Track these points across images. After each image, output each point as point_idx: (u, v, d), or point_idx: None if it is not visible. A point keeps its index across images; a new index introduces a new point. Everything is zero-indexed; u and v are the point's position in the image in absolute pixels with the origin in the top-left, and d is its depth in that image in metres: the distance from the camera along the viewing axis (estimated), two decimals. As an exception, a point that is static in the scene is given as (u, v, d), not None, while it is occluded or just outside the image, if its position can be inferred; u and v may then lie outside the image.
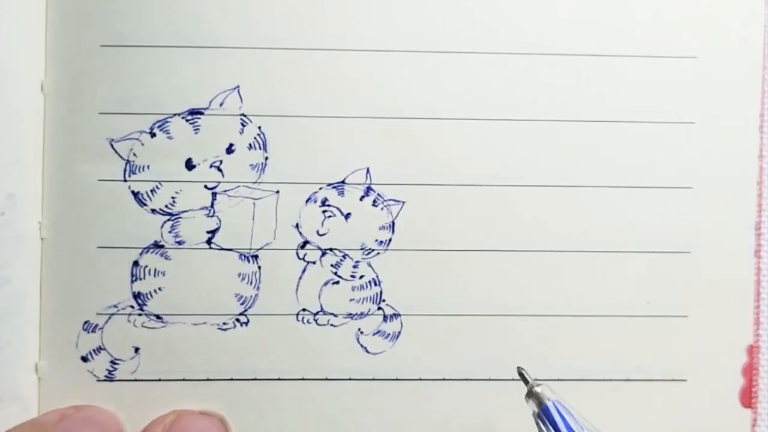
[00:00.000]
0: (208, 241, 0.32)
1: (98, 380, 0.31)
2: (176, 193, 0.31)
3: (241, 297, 0.32)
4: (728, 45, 0.33)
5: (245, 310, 0.32)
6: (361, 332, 0.32)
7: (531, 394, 0.28)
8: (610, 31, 0.33)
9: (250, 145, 0.32)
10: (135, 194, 0.31)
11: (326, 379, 0.32)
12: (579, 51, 0.32)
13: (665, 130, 0.33)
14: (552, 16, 0.32)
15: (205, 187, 0.32)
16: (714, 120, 0.33)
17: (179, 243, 0.31)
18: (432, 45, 0.32)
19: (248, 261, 0.32)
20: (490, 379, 0.32)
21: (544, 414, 0.28)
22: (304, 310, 0.32)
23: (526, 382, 0.29)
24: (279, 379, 0.32)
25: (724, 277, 0.33)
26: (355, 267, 0.32)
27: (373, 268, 0.32)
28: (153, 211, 0.31)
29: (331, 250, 0.32)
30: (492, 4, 0.32)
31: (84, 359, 0.31)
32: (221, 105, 0.31)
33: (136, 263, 0.31)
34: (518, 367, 0.30)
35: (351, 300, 0.32)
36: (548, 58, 0.32)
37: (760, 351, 0.33)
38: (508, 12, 0.32)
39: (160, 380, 0.31)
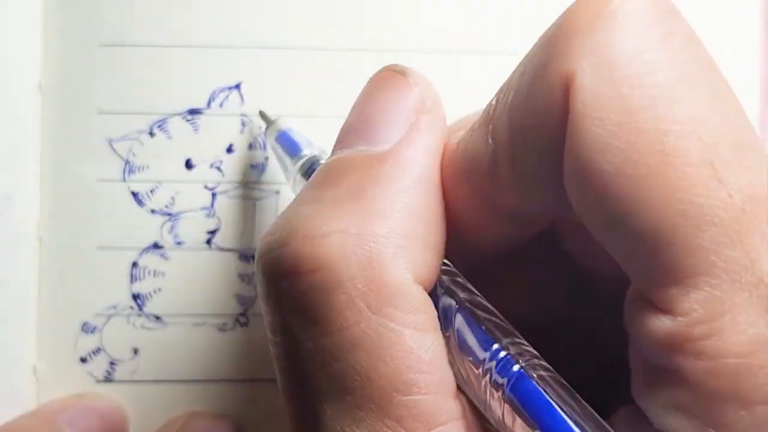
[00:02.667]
0: (208, 242, 0.31)
1: (97, 381, 0.31)
2: (176, 193, 0.31)
3: (241, 297, 0.31)
4: (726, 44, 0.33)
5: (245, 311, 0.31)
6: (362, 332, 0.32)
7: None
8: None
9: (250, 145, 0.31)
10: (134, 194, 0.31)
11: (327, 380, 0.32)
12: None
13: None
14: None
15: (205, 187, 0.31)
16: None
17: (179, 243, 0.31)
18: (437, 45, 0.32)
19: (248, 261, 0.31)
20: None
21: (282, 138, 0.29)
22: (304, 310, 0.32)
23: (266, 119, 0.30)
24: (279, 380, 0.31)
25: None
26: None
27: (373, 268, 0.32)
28: (152, 211, 0.31)
29: (331, 250, 0.32)
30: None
31: (83, 360, 0.31)
32: (221, 105, 0.31)
33: (135, 264, 0.31)
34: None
35: (351, 300, 0.32)
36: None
37: None
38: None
39: (159, 381, 0.31)
